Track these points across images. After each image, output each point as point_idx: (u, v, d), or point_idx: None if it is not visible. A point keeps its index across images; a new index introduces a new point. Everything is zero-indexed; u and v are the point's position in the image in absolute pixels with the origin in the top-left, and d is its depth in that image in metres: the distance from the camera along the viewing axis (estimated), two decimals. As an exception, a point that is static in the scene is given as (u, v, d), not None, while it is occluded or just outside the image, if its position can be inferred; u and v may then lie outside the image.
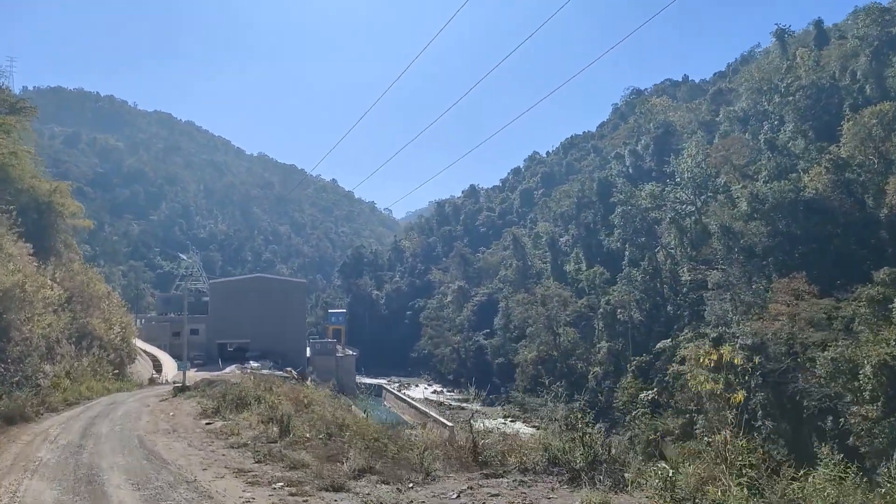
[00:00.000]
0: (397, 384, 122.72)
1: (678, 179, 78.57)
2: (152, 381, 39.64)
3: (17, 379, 22.54)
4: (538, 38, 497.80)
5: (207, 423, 17.29)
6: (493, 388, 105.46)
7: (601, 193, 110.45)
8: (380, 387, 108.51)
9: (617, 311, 77.13)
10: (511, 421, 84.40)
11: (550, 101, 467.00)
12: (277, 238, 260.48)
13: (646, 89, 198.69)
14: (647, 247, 78.35)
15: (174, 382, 45.01)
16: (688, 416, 51.56)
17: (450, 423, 69.43)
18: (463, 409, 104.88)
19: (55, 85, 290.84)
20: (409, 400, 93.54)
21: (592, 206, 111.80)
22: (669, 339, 67.64)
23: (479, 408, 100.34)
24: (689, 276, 70.46)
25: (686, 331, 62.55)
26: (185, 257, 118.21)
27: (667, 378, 58.42)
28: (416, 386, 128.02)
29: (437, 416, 78.84)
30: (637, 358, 72.11)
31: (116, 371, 34.85)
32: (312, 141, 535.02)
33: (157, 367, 48.24)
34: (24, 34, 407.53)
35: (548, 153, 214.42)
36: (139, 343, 47.31)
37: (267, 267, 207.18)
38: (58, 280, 33.15)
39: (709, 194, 74.80)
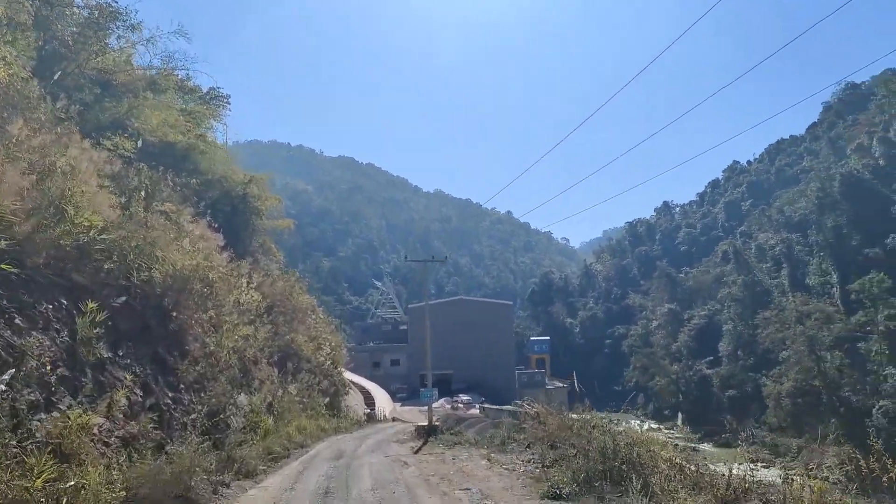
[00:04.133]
0: (606, 421, 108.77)
1: None
2: (370, 418, 30.86)
3: (192, 417, 13.58)
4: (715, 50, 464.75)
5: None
6: (724, 426, 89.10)
7: (846, 192, 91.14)
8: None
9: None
10: (764, 467, 68.28)
11: (742, 109, 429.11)
12: (459, 270, 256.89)
13: (863, 83, 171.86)
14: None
15: (392, 419, 36.13)
16: None
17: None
18: (695, 449, 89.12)
19: (252, 139, 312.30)
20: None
21: (838, 207, 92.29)
22: None
23: (711, 449, 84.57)
24: None
25: None
26: (379, 284, 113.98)
27: None
28: (627, 423, 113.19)
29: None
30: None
31: (328, 402, 26.09)
32: (485, 175, 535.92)
33: (369, 400, 39.83)
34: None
35: (749, 162, 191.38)
36: (346, 374, 39.03)
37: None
38: (254, 284, 25.07)
39: None
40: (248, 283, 24.65)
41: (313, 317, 32.32)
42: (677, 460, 10.62)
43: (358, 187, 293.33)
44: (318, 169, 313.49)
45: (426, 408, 56.52)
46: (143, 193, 16.02)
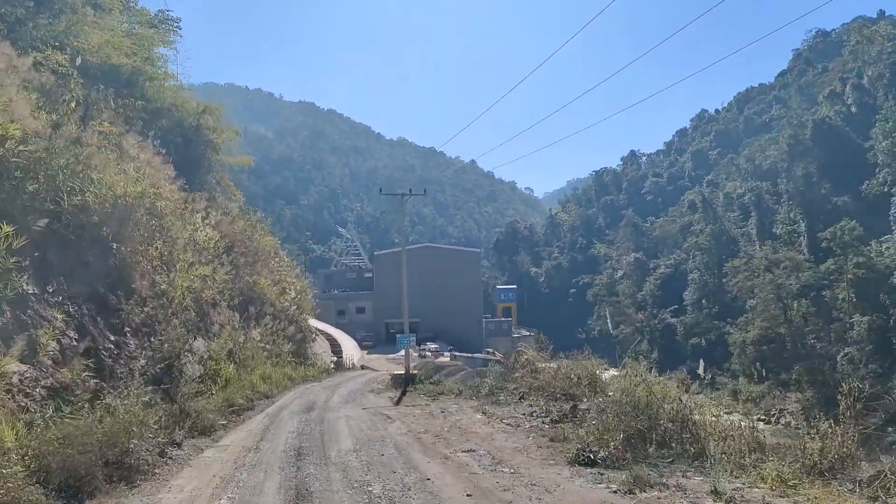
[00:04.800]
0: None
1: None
2: (338, 366, 29.19)
3: (140, 364, 11.67)
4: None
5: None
6: (689, 374, 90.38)
7: (818, 139, 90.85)
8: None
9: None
10: (727, 413, 69.26)
11: (713, 56, 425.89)
12: (422, 219, 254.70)
13: (833, 30, 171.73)
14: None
15: (361, 367, 34.62)
16: None
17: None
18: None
19: (207, 81, 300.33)
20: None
21: (808, 155, 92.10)
22: None
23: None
24: None
25: None
26: (343, 231, 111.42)
27: None
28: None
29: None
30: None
31: (295, 349, 24.32)
32: (449, 123, 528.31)
33: (336, 348, 38.15)
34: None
35: (717, 110, 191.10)
36: (311, 321, 37.05)
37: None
38: (211, 222, 22.91)
39: None
40: (204, 219, 22.50)
41: (276, 259, 30.27)
42: (737, 420, 8.93)
43: (320, 134, 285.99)
44: (277, 114, 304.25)
45: (394, 356, 55.17)
46: (74, 105, 13.62)
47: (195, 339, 16.33)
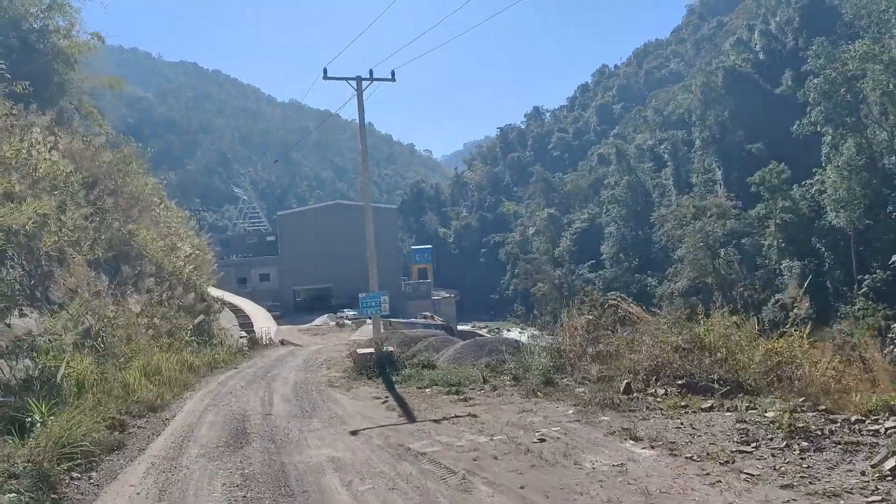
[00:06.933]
0: (485, 329, 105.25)
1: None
2: (255, 343, 22.16)
3: None
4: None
5: None
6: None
7: (730, 87, 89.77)
8: (472, 334, 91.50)
9: (827, 215, 57.71)
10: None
11: (609, 13, 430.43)
12: (321, 184, 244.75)
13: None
14: (857, 129, 58.13)
15: (280, 341, 27.61)
16: None
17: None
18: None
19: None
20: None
21: (721, 102, 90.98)
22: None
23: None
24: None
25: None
26: (239, 192, 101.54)
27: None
28: (509, 330, 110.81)
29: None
30: (870, 276, 53.32)
31: (197, 325, 17.21)
32: (342, 86, 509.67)
33: (245, 321, 30.75)
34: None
35: (617, 66, 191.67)
36: (211, 290, 29.39)
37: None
38: (60, 147, 15.41)
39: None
40: (48, 142, 14.95)
41: (162, 207, 22.67)
42: None
43: (206, 95, 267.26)
44: (157, 75, 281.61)
45: (307, 326, 47.80)
46: None
47: (20, 312, 9.23)
